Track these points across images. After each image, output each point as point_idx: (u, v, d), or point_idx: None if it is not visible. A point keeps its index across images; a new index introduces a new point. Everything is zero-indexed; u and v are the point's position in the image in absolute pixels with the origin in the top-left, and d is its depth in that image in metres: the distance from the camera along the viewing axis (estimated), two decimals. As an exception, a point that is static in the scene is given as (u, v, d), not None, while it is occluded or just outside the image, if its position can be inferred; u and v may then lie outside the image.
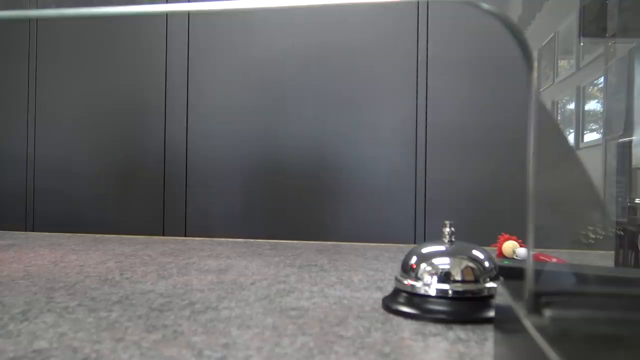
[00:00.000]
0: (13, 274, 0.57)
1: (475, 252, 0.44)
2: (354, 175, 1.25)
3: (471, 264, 0.43)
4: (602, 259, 0.73)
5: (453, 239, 0.45)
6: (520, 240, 0.69)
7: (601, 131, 1.47)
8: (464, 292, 0.42)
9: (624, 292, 0.29)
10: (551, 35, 1.57)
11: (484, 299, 0.42)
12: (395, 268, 0.63)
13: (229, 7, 0.27)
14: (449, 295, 0.42)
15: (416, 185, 1.24)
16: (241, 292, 0.50)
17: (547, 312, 0.25)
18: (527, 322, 0.24)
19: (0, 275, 0.56)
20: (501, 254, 0.68)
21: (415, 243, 1.20)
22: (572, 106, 1.60)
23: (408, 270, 0.44)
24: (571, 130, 1.58)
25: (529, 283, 0.26)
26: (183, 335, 0.36)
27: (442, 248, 0.45)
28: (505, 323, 0.29)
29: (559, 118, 1.62)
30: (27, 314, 0.41)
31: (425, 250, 0.45)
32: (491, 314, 0.41)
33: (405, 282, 0.44)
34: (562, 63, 1.60)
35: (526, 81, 0.27)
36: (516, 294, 0.27)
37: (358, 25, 1.26)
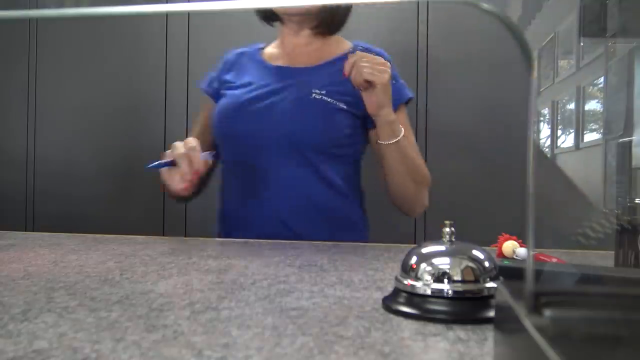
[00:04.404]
0: (13, 274, 0.57)
1: (475, 252, 0.44)
2: (354, 175, 1.25)
3: (471, 264, 0.43)
4: (602, 259, 0.73)
5: (453, 239, 0.45)
6: (520, 240, 0.69)
7: (601, 131, 1.46)
8: (464, 292, 0.42)
9: (624, 292, 0.29)
10: (551, 35, 1.57)
11: (484, 299, 0.42)
12: (395, 268, 0.63)
13: (229, 7, 0.27)
14: (449, 295, 0.42)
15: (416, 185, 1.24)
16: (241, 292, 0.50)
17: (547, 312, 0.25)
18: (527, 322, 0.24)
19: (0, 275, 0.56)
20: (501, 254, 0.68)
21: (415, 243, 1.20)
22: (571, 106, 1.59)
23: (408, 270, 0.44)
24: (571, 130, 1.58)
25: (529, 283, 0.26)
26: (183, 335, 0.37)
27: (442, 248, 0.45)
28: (505, 323, 0.29)
29: (559, 118, 1.62)
30: (27, 314, 0.41)
31: (425, 250, 0.45)
32: (491, 314, 0.41)
33: (405, 282, 0.44)
34: (562, 63, 1.60)
35: (526, 81, 0.27)
36: (516, 294, 0.27)
37: (357, 25, 1.26)
